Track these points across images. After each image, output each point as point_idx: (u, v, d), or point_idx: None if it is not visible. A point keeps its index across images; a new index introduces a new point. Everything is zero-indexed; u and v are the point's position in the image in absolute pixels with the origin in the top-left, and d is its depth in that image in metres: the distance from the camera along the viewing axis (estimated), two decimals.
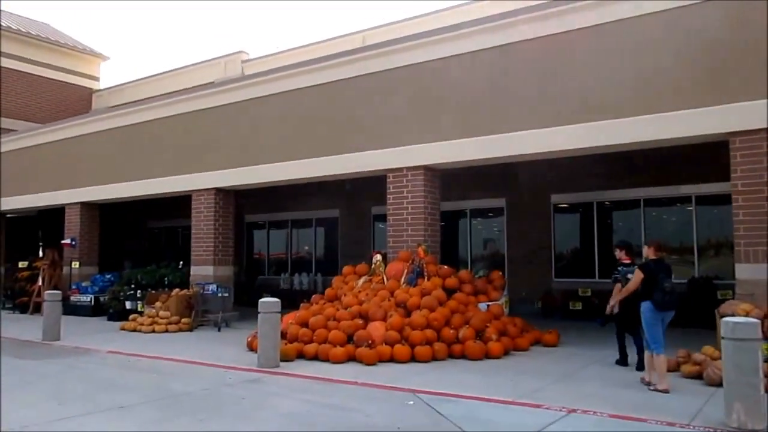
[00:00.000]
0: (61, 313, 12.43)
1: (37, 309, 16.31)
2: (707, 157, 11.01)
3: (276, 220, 21.09)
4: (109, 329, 13.71)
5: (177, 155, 15.62)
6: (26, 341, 12.03)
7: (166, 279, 15.54)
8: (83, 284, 17.08)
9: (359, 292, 10.91)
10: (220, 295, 13.68)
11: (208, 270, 14.76)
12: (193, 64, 23.36)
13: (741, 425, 5.51)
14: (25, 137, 20.13)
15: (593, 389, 7.20)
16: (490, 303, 10.73)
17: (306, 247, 20.50)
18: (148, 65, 64.78)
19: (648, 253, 7.52)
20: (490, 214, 16.88)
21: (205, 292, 13.83)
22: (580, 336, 11.15)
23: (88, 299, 16.50)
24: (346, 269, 12.31)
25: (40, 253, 21.20)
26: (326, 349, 9.31)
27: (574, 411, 6.22)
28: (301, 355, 9.52)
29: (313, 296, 11.80)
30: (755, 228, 8.45)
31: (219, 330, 13.09)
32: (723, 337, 5.78)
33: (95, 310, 16.20)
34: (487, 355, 9.30)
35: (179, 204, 16.17)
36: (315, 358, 9.40)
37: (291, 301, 12.59)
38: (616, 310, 8.23)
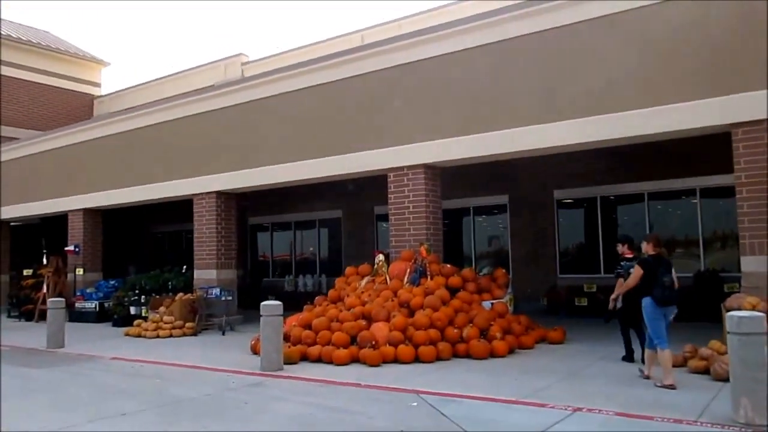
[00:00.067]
0: (64, 320, 12.42)
1: (43, 316, 16.25)
2: (712, 148, 10.87)
3: (279, 222, 21.08)
4: (113, 335, 13.70)
5: (178, 159, 15.60)
6: (30, 349, 12.03)
7: (170, 283, 15.53)
8: (88, 291, 17.09)
9: (362, 292, 10.85)
10: (223, 298, 13.66)
11: (212, 274, 14.74)
12: (193, 68, 23.38)
13: (749, 421, 5.42)
14: (27, 145, 20.18)
15: (599, 387, 7.12)
16: (494, 301, 10.66)
17: (311, 249, 20.48)
18: (149, 70, 64.94)
19: (647, 248, 7.46)
20: (494, 211, 16.81)
21: (208, 296, 13.81)
22: (586, 332, 11.05)
23: (93, 305, 16.51)
24: (348, 270, 12.26)
25: (45, 261, 21.21)
26: (329, 351, 9.25)
27: (579, 410, 6.14)
28: (304, 358, 9.47)
29: (317, 298, 11.75)
30: (760, 220, 8.34)
31: (223, 334, 13.06)
32: (728, 332, 5.70)
33: (100, 317, 16.20)
34: (492, 354, 9.22)
35: (183, 208, 16.16)
36: (318, 360, 9.35)
37: (296, 303, 12.53)
38: (619, 304, 8.15)
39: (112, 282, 17.31)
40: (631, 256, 8.46)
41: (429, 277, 10.65)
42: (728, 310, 6.89)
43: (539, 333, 10.47)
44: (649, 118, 9.24)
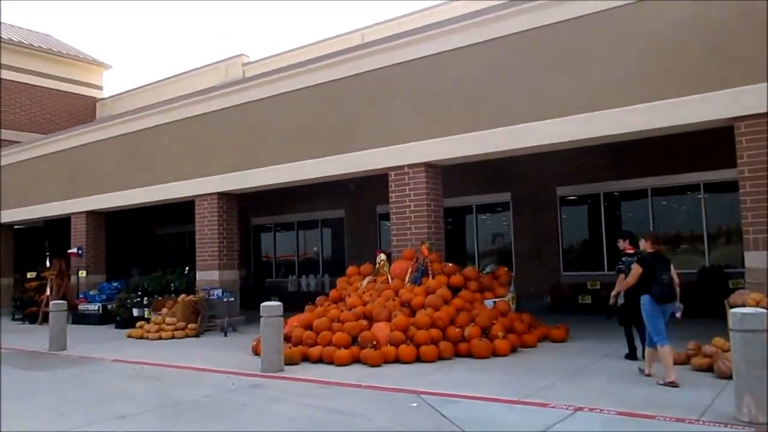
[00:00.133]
0: (66, 322, 12.42)
1: (46, 319, 16.21)
2: (715, 143, 10.76)
3: (282, 222, 21.06)
4: (116, 337, 13.70)
5: (180, 160, 15.59)
6: (33, 352, 12.02)
7: (172, 285, 15.52)
8: (91, 293, 17.10)
9: (363, 292, 10.80)
10: (225, 299, 13.64)
11: (214, 275, 14.72)
12: (194, 69, 23.38)
13: (752, 419, 5.33)
14: (29, 148, 20.21)
15: (601, 386, 7.04)
16: (496, 300, 10.58)
17: (314, 249, 20.45)
18: (150, 71, 65.03)
19: (645, 246, 7.40)
20: (497, 209, 16.74)
21: (210, 297, 13.80)
22: (590, 330, 10.97)
23: (96, 308, 16.52)
24: (350, 270, 12.21)
25: (48, 263, 21.26)
26: (331, 352, 9.20)
27: (580, 409, 6.07)
28: (306, 358, 9.42)
29: (318, 298, 11.70)
30: (764, 214, 8.24)
31: (226, 335, 13.04)
32: (731, 329, 5.61)
33: (103, 318, 16.22)
34: (494, 353, 9.14)
35: (185, 209, 16.15)
36: (320, 360, 9.30)
37: (299, 303, 12.48)
38: (620, 301, 8.07)
39: (115, 284, 17.33)
40: (632, 251, 8.37)
41: (431, 276, 10.59)
42: (732, 307, 6.80)
43: (542, 331, 10.38)
44: (652, 114, 9.14)
